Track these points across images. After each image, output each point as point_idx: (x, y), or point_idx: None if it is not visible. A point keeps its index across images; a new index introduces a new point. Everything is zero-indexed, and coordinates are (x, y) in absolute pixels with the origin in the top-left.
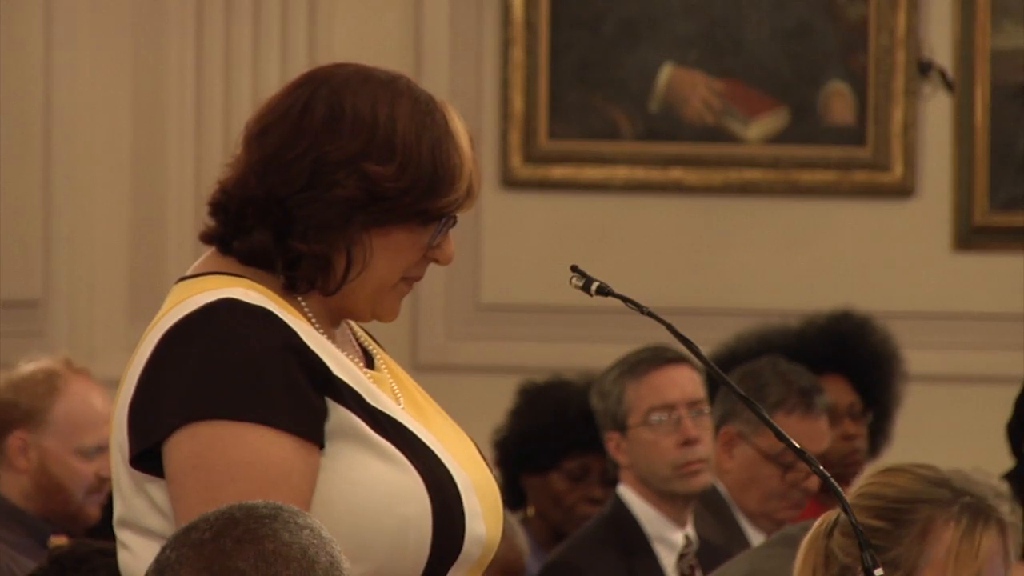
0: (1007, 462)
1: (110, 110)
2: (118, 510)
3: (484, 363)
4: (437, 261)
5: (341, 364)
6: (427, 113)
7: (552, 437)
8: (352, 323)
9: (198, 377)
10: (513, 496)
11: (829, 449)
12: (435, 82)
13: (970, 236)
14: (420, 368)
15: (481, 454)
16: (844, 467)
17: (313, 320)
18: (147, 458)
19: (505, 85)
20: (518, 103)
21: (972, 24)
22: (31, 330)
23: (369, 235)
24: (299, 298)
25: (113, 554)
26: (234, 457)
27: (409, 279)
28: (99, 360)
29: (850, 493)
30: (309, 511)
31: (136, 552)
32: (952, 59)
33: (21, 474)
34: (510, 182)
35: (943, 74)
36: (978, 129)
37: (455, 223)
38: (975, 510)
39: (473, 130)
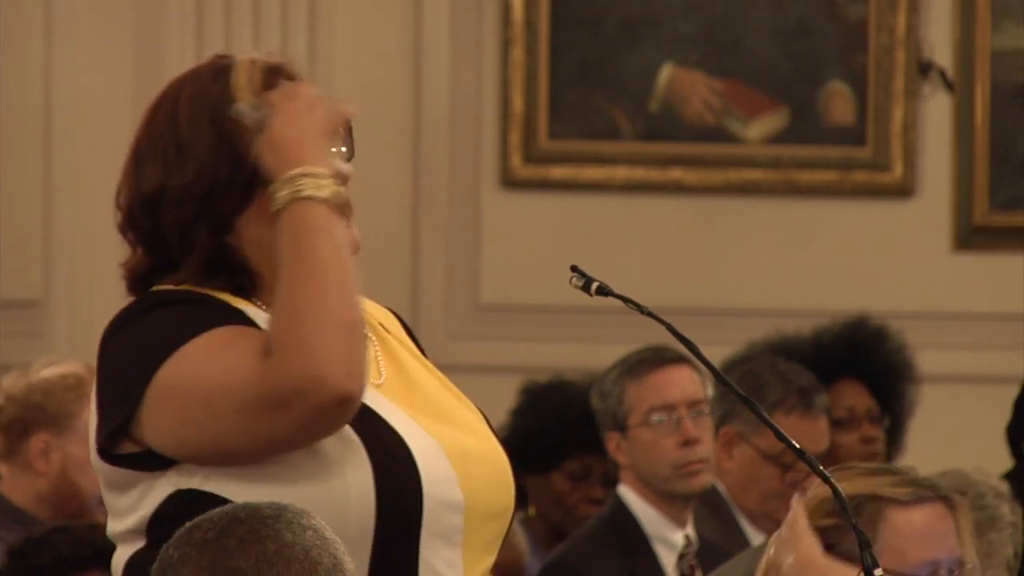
0: (1007, 462)
1: (110, 110)
2: (109, 514)
3: (484, 363)
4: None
5: None
6: (205, 89)
7: (554, 437)
8: None
9: (139, 344)
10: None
11: (849, 452)
12: (435, 82)
13: (970, 236)
14: None
15: (491, 427)
16: None
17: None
18: (113, 457)
19: (505, 85)
20: (518, 103)
21: (972, 24)
22: (31, 330)
23: (241, 223)
24: (257, 302)
25: (70, 530)
26: (187, 370)
27: None
28: (96, 358)
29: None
30: None
31: (119, 551)
32: (952, 59)
33: (39, 476)
34: (510, 182)
35: (943, 74)
36: (978, 129)
37: None
38: (922, 490)
39: (473, 130)
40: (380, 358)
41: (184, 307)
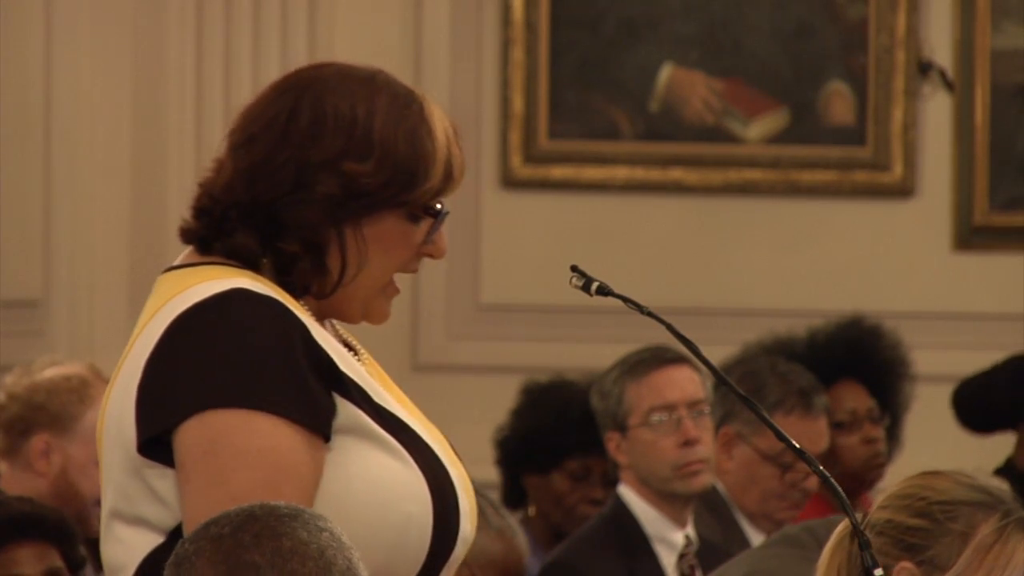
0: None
1: (110, 110)
2: (110, 500)
3: (484, 363)
4: (431, 256)
5: (345, 359)
6: (404, 105)
7: (554, 437)
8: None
9: (211, 366)
10: (514, 496)
11: (853, 454)
12: (435, 82)
13: (970, 236)
14: (420, 368)
15: (454, 450)
16: (868, 470)
17: (309, 312)
18: (151, 446)
19: (505, 85)
20: (518, 103)
21: (972, 24)
22: (31, 330)
23: (361, 235)
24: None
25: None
26: (245, 444)
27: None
28: (99, 360)
29: (887, 493)
30: (313, 504)
31: (127, 542)
32: (952, 59)
33: (38, 476)
34: (510, 182)
35: (943, 74)
36: (978, 129)
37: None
38: (1016, 520)
39: (473, 130)
40: (376, 373)
41: (265, 346)
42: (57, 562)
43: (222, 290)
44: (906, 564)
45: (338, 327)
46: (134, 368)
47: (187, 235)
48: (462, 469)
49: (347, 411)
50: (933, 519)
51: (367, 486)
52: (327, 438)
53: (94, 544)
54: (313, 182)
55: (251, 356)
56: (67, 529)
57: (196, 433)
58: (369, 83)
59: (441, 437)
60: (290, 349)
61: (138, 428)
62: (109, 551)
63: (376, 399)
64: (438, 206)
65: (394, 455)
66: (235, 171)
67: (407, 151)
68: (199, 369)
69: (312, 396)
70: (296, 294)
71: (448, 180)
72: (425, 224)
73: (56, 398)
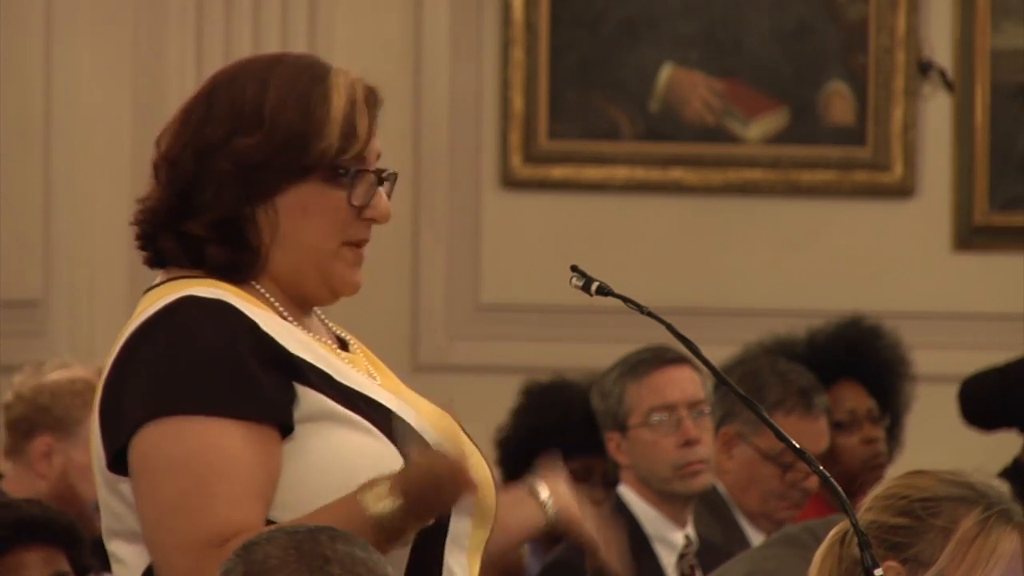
0: (1007, 462)
1: (110, 110)
2: (104, 520)
3: (484, 363)
4: (375, 220)
5: (304, 345)
6: (298, 75)
7: (554, 437)
8: (325, 318)
9: (152, 377)
10: None
11: (852, 454)
12: (435, 82)
13: (970, 236)
14: (420, 368)
15: (468, 436)
16: (869, 471)
17: (279, 307)
18: (120, 462)
19: (505, 85)
20: (518, 103)
21: (972, 24)
22: (31, 330)
23: (273, 208)
24: (256, 286)
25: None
26: (173, 453)
27: (352, 244)
28: (99, 360)
29: (871, 495)
30: (272, 495)
31: (127, 561)
32: (952, 59)
33: (39, 478)
34: (510, 182)
35: (943, 74)
36: (978, 129)
37: (380, 180)
38: (998, 512)
39: (473, 130)
40: (369, 365)
41: (202, 349)
42: (64, 567)
43: (168, 301)
44: (891, 563)
45: (330, 323)
46: (101, 387)
47: (148, 262)
48: (469, 446)
49: (310, 398)
50: (915, 516)
51: (341, 465)
52: (284, 428)
53: (96, 546)
54: (209, 166)
55: (187, 362)
56: (76, 533)
57: (136, 450)
58: (270, 61)
59: (446, 417)
60: (231, 347)
61: (104, 447)
62: (114, 567)
63: (340, 379)
64: (353, 167)
65: (365, 432)
66: (152, 180)
67: (295, 116)
68: (141, 383)
69: (257, 389)
70: (232, 277)
71: (350, 139)
72: (357, 187)
73: (60, 401)
